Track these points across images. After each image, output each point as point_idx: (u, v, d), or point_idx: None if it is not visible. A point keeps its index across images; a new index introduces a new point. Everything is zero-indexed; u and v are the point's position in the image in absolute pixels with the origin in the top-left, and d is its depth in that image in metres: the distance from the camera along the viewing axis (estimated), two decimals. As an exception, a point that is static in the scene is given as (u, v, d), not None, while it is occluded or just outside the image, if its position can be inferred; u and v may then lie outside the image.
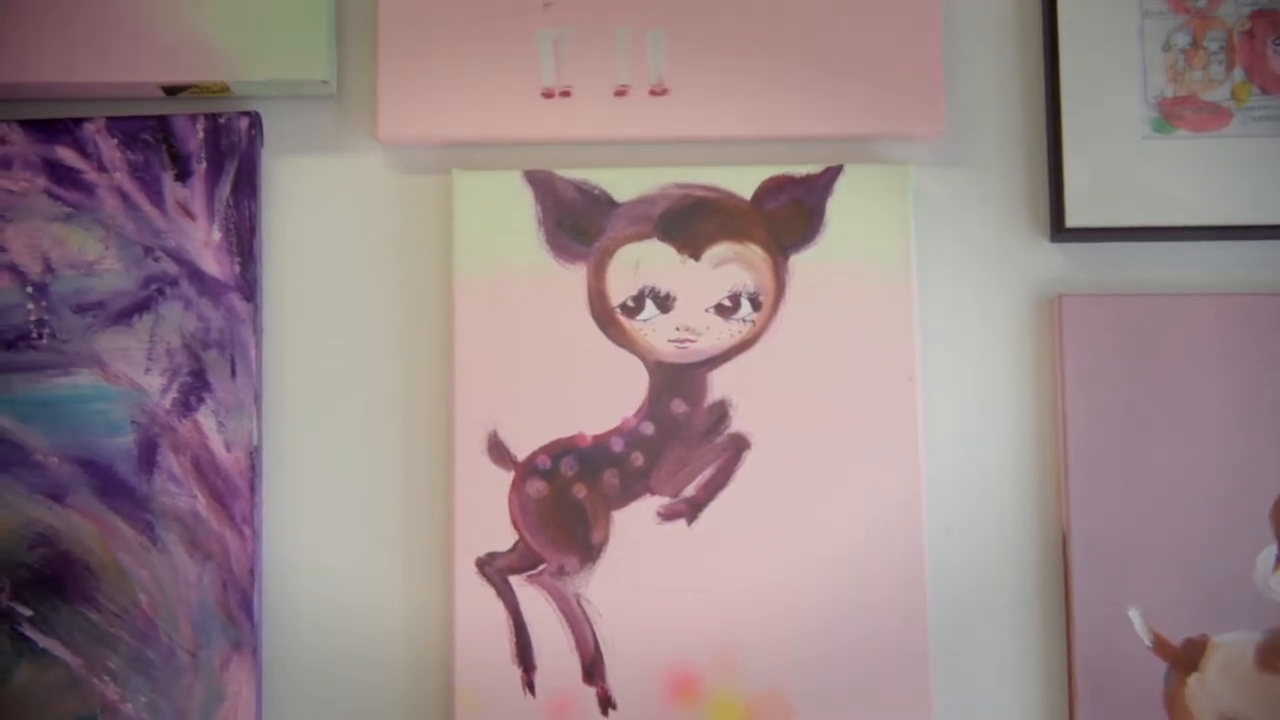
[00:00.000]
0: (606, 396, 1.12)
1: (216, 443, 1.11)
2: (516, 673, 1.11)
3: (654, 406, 1.12)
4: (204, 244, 1.12)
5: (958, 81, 1.16)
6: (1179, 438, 1.11)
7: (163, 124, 1.13)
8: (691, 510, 1.11)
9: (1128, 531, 1.11)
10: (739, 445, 1.11)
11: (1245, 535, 1.10)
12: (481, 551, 1.11)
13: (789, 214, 1.13)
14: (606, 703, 1.11)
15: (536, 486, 1.11)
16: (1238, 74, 1.13)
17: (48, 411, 1.11)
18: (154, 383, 1.11)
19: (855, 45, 1.14)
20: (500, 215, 1.13)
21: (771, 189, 1.13)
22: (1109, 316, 1.12)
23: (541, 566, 1.11)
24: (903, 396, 1.11)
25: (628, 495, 1.12)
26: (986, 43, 1.17)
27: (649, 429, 1.12)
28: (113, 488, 1.10)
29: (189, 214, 1.12)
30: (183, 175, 1.12)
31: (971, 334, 1.15)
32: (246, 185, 1.12)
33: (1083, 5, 1.13)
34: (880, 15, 1.14)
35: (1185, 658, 1.10)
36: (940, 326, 1.15)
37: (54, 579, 1.10)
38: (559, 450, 1.12)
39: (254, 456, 1.11)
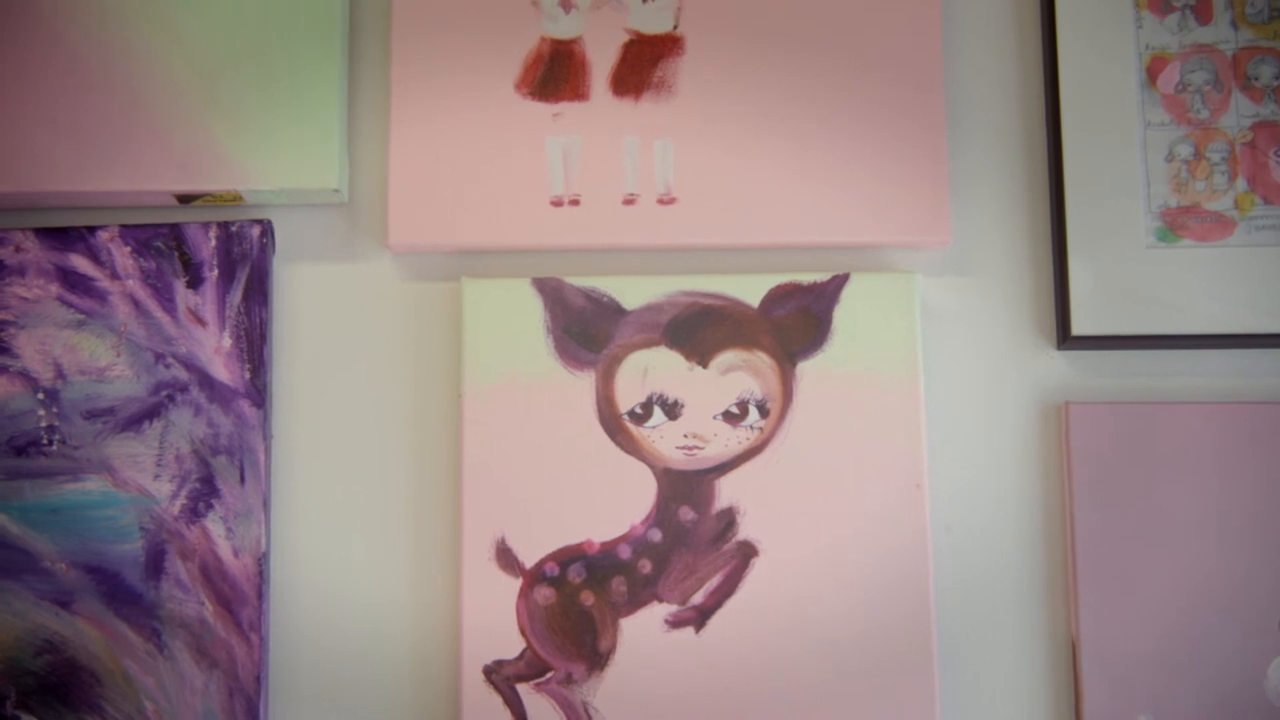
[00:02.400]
0: (614, 503, 1.12)
1: (224, 549, 1.11)
2: (523, 782, 1.10)
3: (662, 513, 1.12)
4: (215, 350, 1.13)
5: (963, 192, 1.18)
6: (1188, 545, 1.11)
7: (175, 232, 1.14)
8: (699, 618, 1.11)
9: (1137, 639, 1.10)
10: (747, 552, 1.11)
11: (1256, 644, 1.10)
12: (489, 659, 1.11)
13: (796, 321, 1.13)
14: (614, 813, 1.10)
15: (544, 594, 1.11)
16: (1240, 184, 1.14)
17: (56, 518, 1.11)
18: (163, 489, 1.11)
19: (862, 155, 1.15)
20: (509, 322, 1.14)
21: (779, 296, 1.14)
22: (1116, 424, 1.12)
23: (549, 674, 1.11)
24: (911, 503, 1.11)
25: (635, 603, 1.11)
26: (992, 154, 1.18)
27: (657, 536, 1.12)
28: (120, 594, 1.10)
29: (200, 321, 1.13)
30: (195, 282, 1.13)
31: (979, 441, 1.15)
32: (257, 292, 1.13)
33: (1086, 116, 1.15)
34: (887, 126, 1.15)
35: (1197, 768, 1.09)
36: (948, 434, 1.15)
37: (59, 686, 1.10)
38: (567, 557, 1.12)
39: (262, 563, 1.11)
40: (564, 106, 1.16)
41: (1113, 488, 1.12)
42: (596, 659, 1.11)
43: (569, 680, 1.11)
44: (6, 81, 1.15)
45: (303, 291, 1.17)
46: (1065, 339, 1.13)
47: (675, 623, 1.11)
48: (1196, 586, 1.10)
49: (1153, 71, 1.16)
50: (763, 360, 1.13)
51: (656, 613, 1.11)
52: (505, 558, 1.11)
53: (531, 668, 1.11)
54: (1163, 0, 1.16)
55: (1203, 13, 1.16)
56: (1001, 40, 1.20)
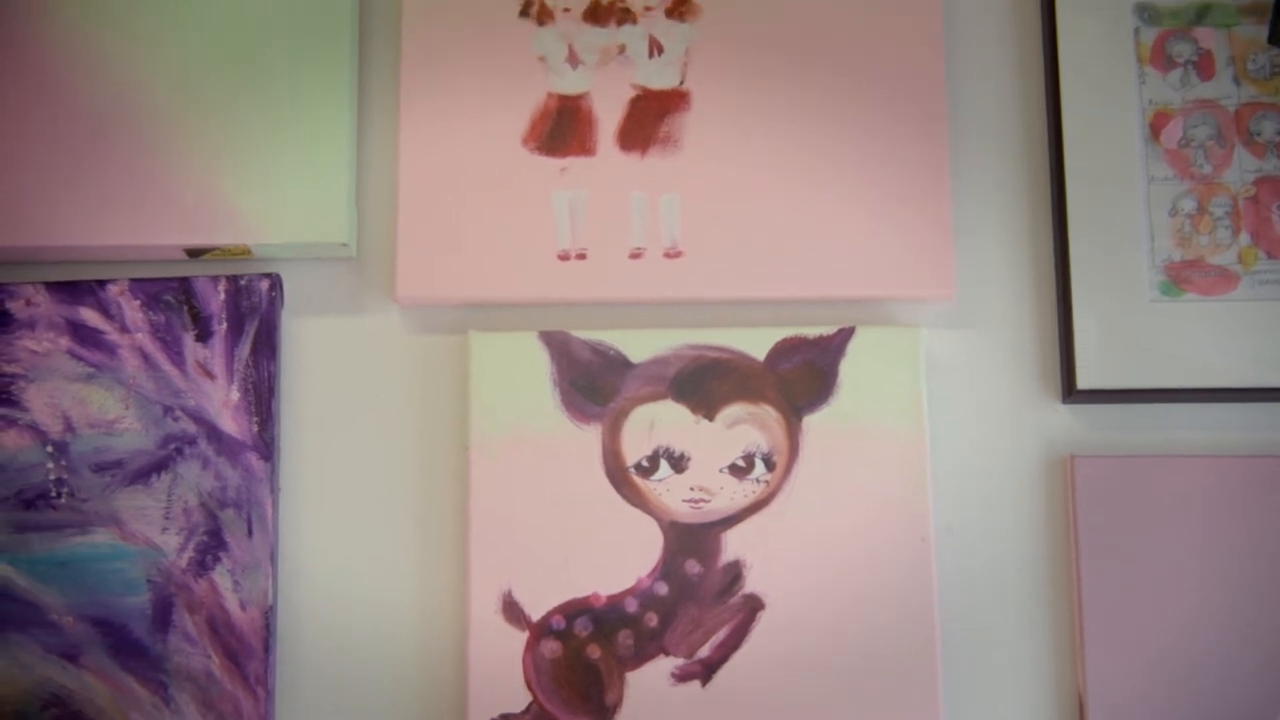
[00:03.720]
0: (621, 556, 1.12)
1: (232, 602, 1.11)
2: (529, 837, 1.10)
3: (668, 567, 1.12)
4: (223, 404, 1.13)
5: (968, 245, 1.18)
6: (1194, 598, 1.11)
7: (185, 285, 1.15)
8: (705, 671, 1.11)
9: (1145, 694, 1.10)
10: (753, 606, 1.11)
11: (1262, 695, 1.10)
12: (495, 713, 1.10)
13: (802, 375, 1.14)
14: None
15: (551, 647, 1.11)
16: (1244, 239, 1.15)
17: (64, 571, 1.11)
18: (170, 542, 1.12)
19: (867, 209, 1.16)
20: (516, 375, 1.14)
21: (784, 350, 1.14)
22: (1121, 477, 1.12)
23: (555, 728, 1.11)
24: (917, 556, 1.11)
25: (642, 656, 1.11)
26: (996, 207, 1.19)
27: (663, 589, 1.12)
28: (127, 647, 1.10)
29: (209, 374, 1.14)
30: (203, 336, 1.14)
31: (984, 494, 1.15)
32: (266, 346, 1.14)
33: (1090, 170, 1.16)
34: (891, 180, 1.16)
35: (1205, 824, 1.09)
36: (954, 487, 1.15)
37: (66, 740, 1.10)
38: (573, 610, 1.12)
39: (269, 616, 1.11)
40: (571, 161, 1.17)
41: (1119, 541, 1.12)
42: (603, 713, 1.11)
43: (575, 734, 1.11)
44: (18, 136, 1.16)
45: (311, 345, 1.17)
46: (1070, 392, 1.14)
47: (681, 676, 1.11)
48: (1203, 639, 1.10)
49: (1156, 126, 1.16)
50: (769, 413, 1.13)
51: (663, 666, 1.11)
52: (512, 611, 1.11)
53: (538, 721, 1.11)
54: (1165, 56, 1.17)
55: (1205, 69, 1.17)
56: (1005, 95, 1.21)
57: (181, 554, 1.12)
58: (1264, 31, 1.16)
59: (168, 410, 1.13)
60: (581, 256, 1.16)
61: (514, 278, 1.16)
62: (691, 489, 1.13)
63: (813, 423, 1.13)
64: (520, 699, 1.11)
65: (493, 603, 1.11)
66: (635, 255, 1.16)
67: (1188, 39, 1.17)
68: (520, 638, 1.11)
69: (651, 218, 1.16)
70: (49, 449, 1.13)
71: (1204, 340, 1.13)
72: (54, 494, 1.12)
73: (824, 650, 1.11)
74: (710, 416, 1.14)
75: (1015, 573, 1.14)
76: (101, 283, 1.15)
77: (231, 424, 1.13)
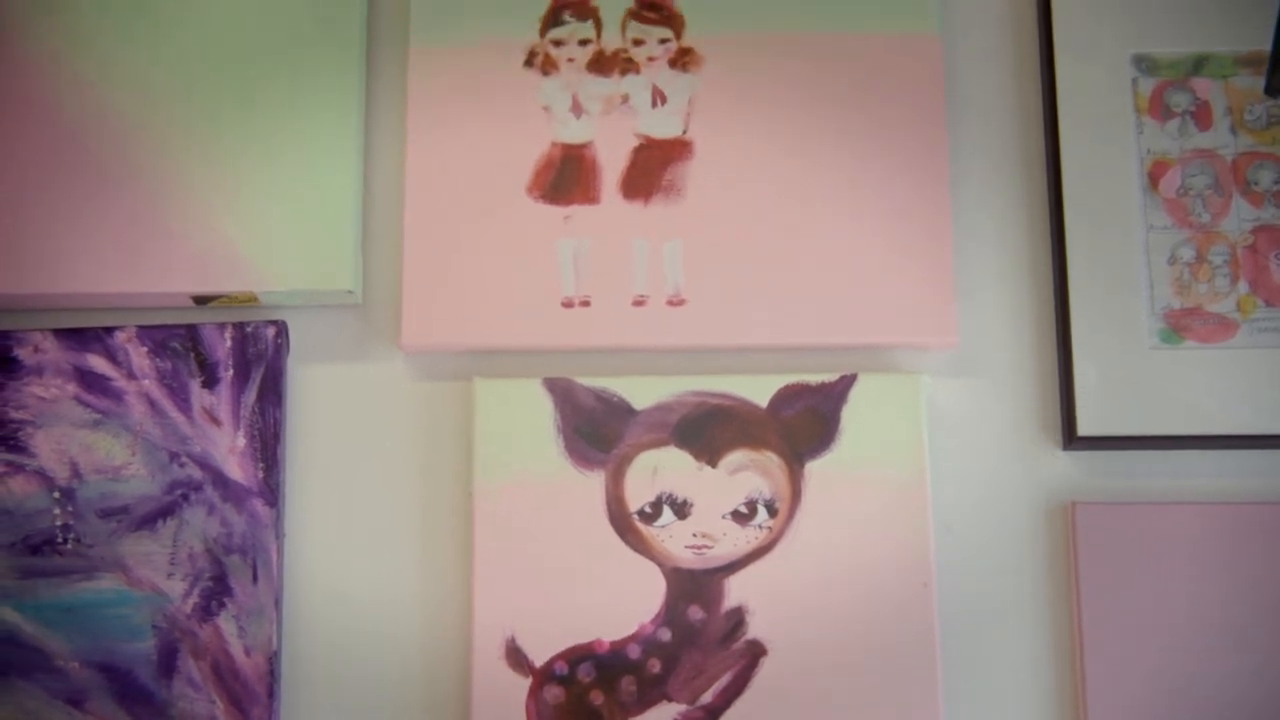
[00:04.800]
0: (624, 602, 1.13)
1: (236, 647, 1.11)
2: None
3: (671, 612, 1.12)
4: (229, 450, 1.14)
5: (969, 294, 1.19)
6: (1196, 646, 1.11)
7: (191, 332, 1.15)
8: (708, 718, 1.11)
9: (1146, 740, 1.10)
10: (756, 652, 1.12)
11: (1265, 745, 1.10)
12: (498, 759, 1.11)
13: (804, 421, 1.14)
14: None
15: (554, 693, 1.12)
16: (1242, 287, 1.16)
17: (70, 616, 1.11)
18: (176, 587, 1.12)
19: (869, 257, 1.16)
20: (520, 422, 1.15)
21: (787, 397, 1.15)
22: (1122, 524, 1.13)
23: (558, 774, 1.11)
24: (918, 603, 1.12)
25: (645, 702, 1.12)
26: (997, 256, 1.20)
27: (666, 635, 1.12)
28: (132, 693, 1.11)
29: (215, 421, 1.14)
30: (210, 383, 1.15)
31: (986, 541, 1.16)
32: (272, 392, 1.15)
33: (1089, 219, 1.17)
34: (893, 228, 1.17)
35: None
36: (954, 534, 1.15)
37: (70, 785, 1.10)
38: (576, 656, 1.12)
39: (273, 661, 1.11)
40: (575, 209, 1.18)
41: (1120, 588, 1.12)
42: (606, 759, 1.11)
43: (578, 780, 1.11)
44: (27, 185, 1.17)
45: (316, 391, 1.18)
46: (1071, 439, 1.14)
47: (684, 722, 1.11)
48: (1205, 685, 1.10)
49: (1154, 176, 1.17)
50: (771, 460, 1.14)
51: (666, 712, 1.11)
52: (515, 656, 1.12)
53: (541, 767, 1.11)
54: (1163, 106, 1.18)
55: (1202, 119, 1.18)
56: (1005, 144, 1.22)
57: (186, 599, 1.12)
58: (1260, 82, 1.17)
59: (174, 456, 1.14)
60: (585, 304, 1.17)
61: (518, 325, 1.16)
62: (694, 535, 1.13)
63: (815, 469, 1.14)
64: (523, 745, 1.11)
65: (496, 648, 1.12)
66: (638, 303, 1.17)
67: (1185, 89, 1.18)
68: (523, 684, 1.11)
69: (654, 265, 1.17)
70: (55, 495, 1.13)
71: (1203, 387, 1.14)
72: (60, 539, 1.13)
73: (827, 696, 1.11)
74: (713, 463, 1.14)
75: (1017, 620, 1.15)
76: (109, 330, 1.16)
77: (237, 470, 1.14)
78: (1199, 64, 1.19)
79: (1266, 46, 1.15)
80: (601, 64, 1.20)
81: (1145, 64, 1.19)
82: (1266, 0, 1.18)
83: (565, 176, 1.19)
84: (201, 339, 1.15)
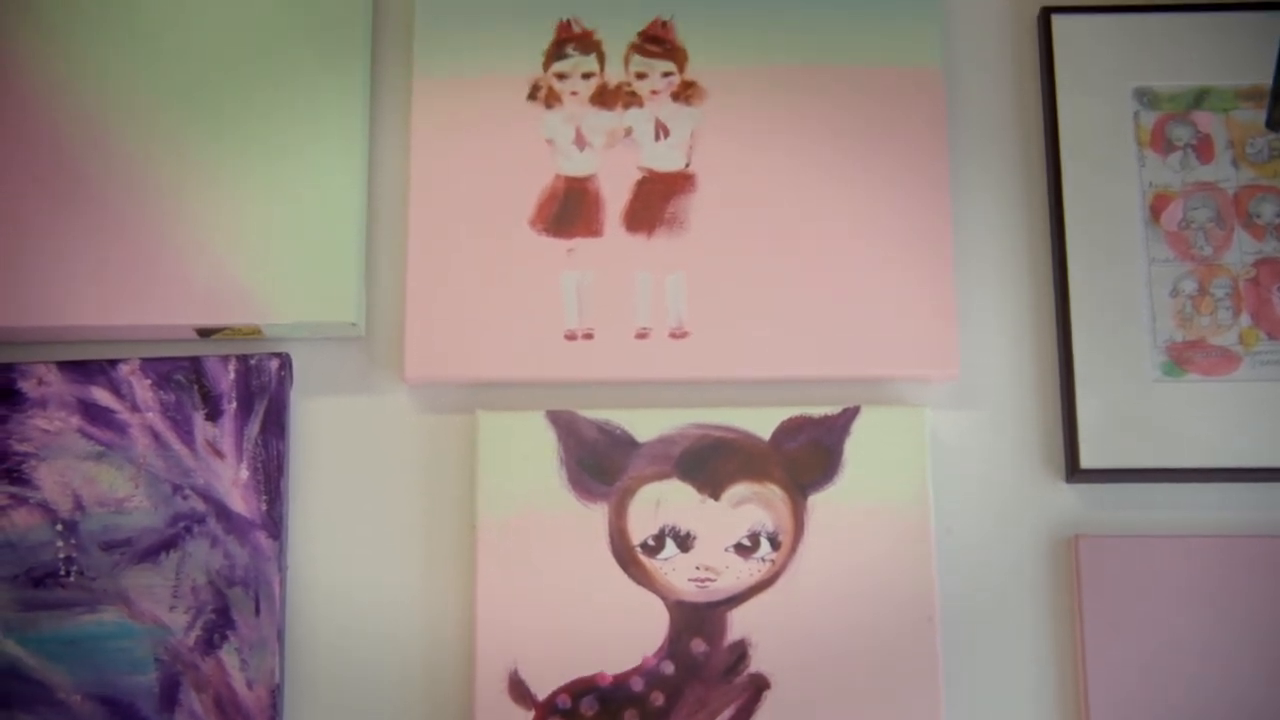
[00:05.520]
0: (627, 635, 1.13)
1: (238, 680, 1.11)
2: None
3: (674, 646, 1.12)
4: (232, 482, 1.14)
5: (971, 326, 1.19)
6: (1199, 679, 1.11)
7: (195, 365, 1.16)
8: (712, 751, 1.11)
9: (1151, 774, 1.10)
10: (759, 685, 1.12)
11: (1269, 779, 1.10)
12: (501, 793, 1.11)
13: (807, 454, 1.14)
14: None
15: (557, 726, 1.12)
16: (1244, 320, 1.16)
17: (72, 649, 1.11)
18: (178, 620, 1.12)
19: (871, 290, 1.17)
20: (523, 454, 1.15)
21: (790, 429, 1.15)
22: (1126, 557, 1.13)
23: (561, 808, 1.11)
24: (922, 636, 1.12)
25: (648, 735, 1.12)
26: (999, 288, 1.20)
27: (669, 668, 1.12)
28: (134, 726, 1.11)
29: (218, 453, 1.14)
30: (213, 415, 1.15)
31: (989, 574, 1.16)
32: (275, 425, 1.15)
33: (1091, 252, 1.17)
34: (895, 260, 1.17)
35: None
36: (958, 566, 1.15)
37: (72, 819, 1.10)
38: (579, 689, 1.12)
39: (275, 695, 1.11)
40: (578, 242, 1.18)
41: (1124, 621, 1.12)
42: (609, 792, 1.11)
43: (581, 814, 1.11)
44: (31, 217, 1.18)
45: (320, 424, 1.18)
46: (1074, 472, 1.14)
47: (687, 756, 1.11)
48: (1209, 718, 1.10)
49: (1156, 208, 1.18)
50: (774, 492, 1.14)
51: (669, 746, 1.11)
52: (518, 690, 1.11)
53: (543, 801, 1.11)
54: (1165, 140, 1.19)
55: (1204, 152, 1.18)
56: (1007, 177, 1.22)
57: (189, 632, 1.12)
58: (1262, 116, 1.18)
59: (177, 489, 1.14)
60: (588, 336, 1.17)
61: (521, 357, 1.17)
62: (697, 568, 1.13)
63: (818, 502, 1.14)
64: (526, 779, 1.11)
65: (499, 681, 1.11)
66: (641, 335, 1.17)
67: (1187, 123, 1.19)
68: (526, 717, 1.11)
69: (657, 298, 1.17)
70: (58, 527, 1.13)
71: (1206, 420, 1.14)
72: (63, 572, 1.13)
73: (830, 730, 1.11)
74: (716, 496, 1.14)
75: (1020, 653, 1.14)
76: (113, 362, 1.16)
77: (240, 503, 1.14)
78: (1200, 97, 1.19)
79: (1267, 80, 1.16)
80: (605, 97, 1.21)
81: (1147, 97, 1.19)
82: (1267, 34, 1.18)
83: (568, 209, 1.19)
84: (205, 371, 1.16)
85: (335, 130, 1.19)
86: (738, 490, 1.14)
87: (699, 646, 1.12)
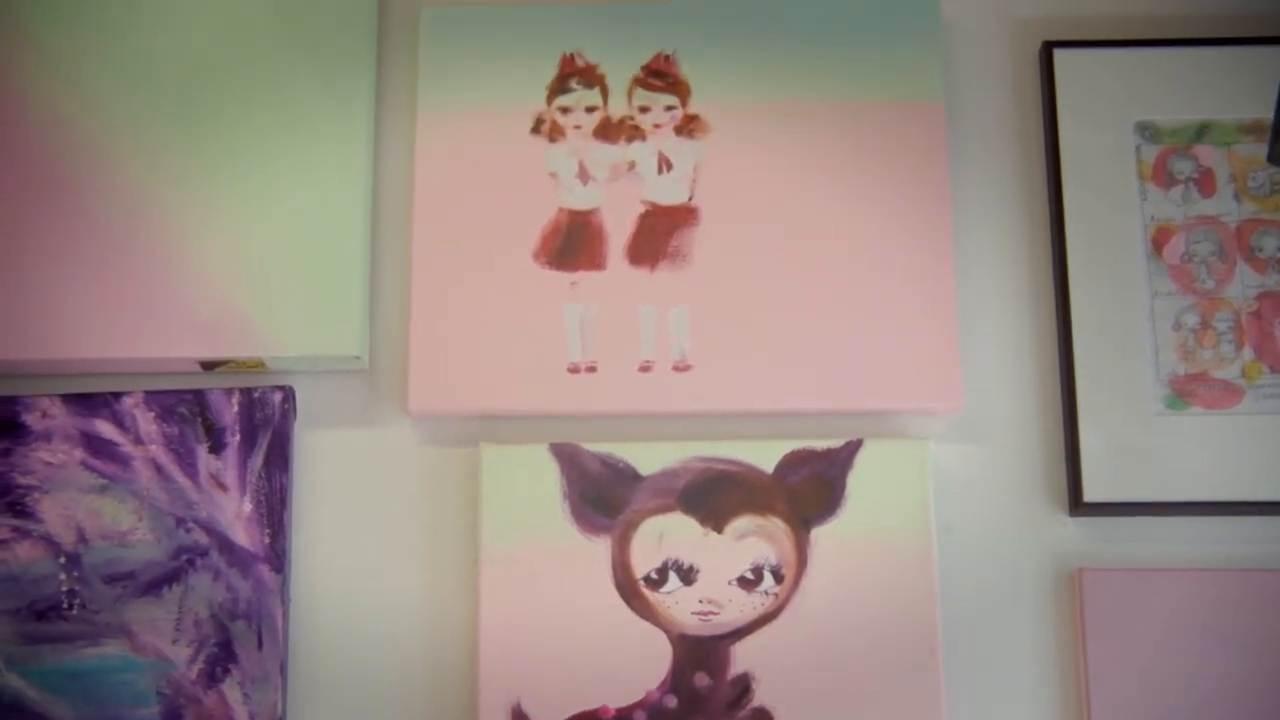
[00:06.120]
0: (630, 669, 1.12)
1: (241, 714, 1.11)
2: None
3: (677, 679, 1.12)
4: (235, 515, 1.14)
5: (974, 359, 1.19)
6: (1204, 712, 1.10)
7: (199, 398, 1.16)
8: (715, 786, 1.11)
9: (1155, 809, 1.10)
10: (761, 719, 1.11)
11: (1274, 814, 1.09)
12: (504, 827, 1.10)
13: (810, 487, 1.14)
14: None
15: (559, 760, 1.11)
16: (1247, 353, 1.16)
17: (75, 683, 1.11)
18: (181, 653, 1.12)
19: (874, 323, 1.17)
20: (526, 488, 1.15)
21: (793, 463, 1.15)
22: (1130, 590, 1.13)
23: (564, 843, 1.10)
24: (925, 669, 1.11)
25: (651, 770, 1.11)
26: (1002, 321, 1.20)
27: (672, 702, 1.12)
28: (136, 760, 1.11)
29: (221, 486, 1.14)
30: (217, 448, 1.15)
31: (992, 607, 1.15)
32: (278, 458, 1.15)
33: (1093, 285, 1.17)
34: (898, 294, 1.17)
35: None
36: (962, 599, 1.15)
37: None
38: (582, 723, 1.12)
39: (278, 728, 1.11)
40: (581, 275, 1.19)
41: (1127, 654, 1.12)
42: (611, 827, 1.11)
43: None
44: (35, 250, 1.18)
45: (323, 456, 1.18)
46: (1077, 505, 1.14)
47: (690, 790, 1.11)
48: (1214, 754, 1.10)
49: (1158, 242, 1.18)
50: (777, 526, 1.14)
51: (672, 780, 1.11)
52: (521, 723, 1.12)
53: (546, 836, 1.10)
54: (1166, 173, 1.19)
55: (1205, 186, 1.19)
56: (1010, 210, 1.22)
57: (191, 665, 1.12)
58: (1263, 150, 1.18)
59: (180, 522, 1.14)
60: (591, 369, 1.17)
61: (525, 390, 1.17)
62: (700, 601, 1.13)
63: (821, 535, 1.14)
64: (529, 813, 1.11)
65: (502, 714, 1.11)
66: (645, 368, 1.17)
67: (1188, 157, 1.19)
68: (529, 751, 1.11)
69: (661, 331, 1.18)
70: (61, 560, 1.13)
71: (1209, 454, 1.14)
72: (66, 605, 1.12)
73: (833, 764, 1.11)
74: (719, 529, 1.14)
75: (1024, 686, 1.14)
76: (117, 395, 1.16)
77: (243, 535, 1.14)
78: (1202, 131, 1.20)
79: (1269, 115, 1.16)
80: (608, 131, 1.21)
81: (1148, 131, 1.20)
82: (1268, 69, 1.19)
83: (572, 242, 1.19)
84: (209, 404, 1.16)
85: (339, 163, 1.20)
86: (741, 523, 1.14)
87: (702, 680, 1.12)
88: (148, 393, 1.16)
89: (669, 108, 1.21)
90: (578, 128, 1.21)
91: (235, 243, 1.18)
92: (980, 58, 1.25)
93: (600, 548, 1.14)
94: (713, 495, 1.14)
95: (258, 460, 1.15)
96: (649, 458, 1.15)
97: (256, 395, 1.16)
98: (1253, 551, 1.15)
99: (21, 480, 1.14)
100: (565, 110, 1.22)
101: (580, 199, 1.20)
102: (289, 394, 1.16)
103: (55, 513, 1.14)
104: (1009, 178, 1.23)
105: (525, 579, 1.13)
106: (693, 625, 1.13)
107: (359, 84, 1.22)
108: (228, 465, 1.15)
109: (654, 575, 1.14)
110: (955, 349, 1.16)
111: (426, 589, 1.16)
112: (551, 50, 1.23)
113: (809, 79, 1.21)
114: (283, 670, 1.12)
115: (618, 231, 1.19)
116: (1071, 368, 1.16)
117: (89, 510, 1.14)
